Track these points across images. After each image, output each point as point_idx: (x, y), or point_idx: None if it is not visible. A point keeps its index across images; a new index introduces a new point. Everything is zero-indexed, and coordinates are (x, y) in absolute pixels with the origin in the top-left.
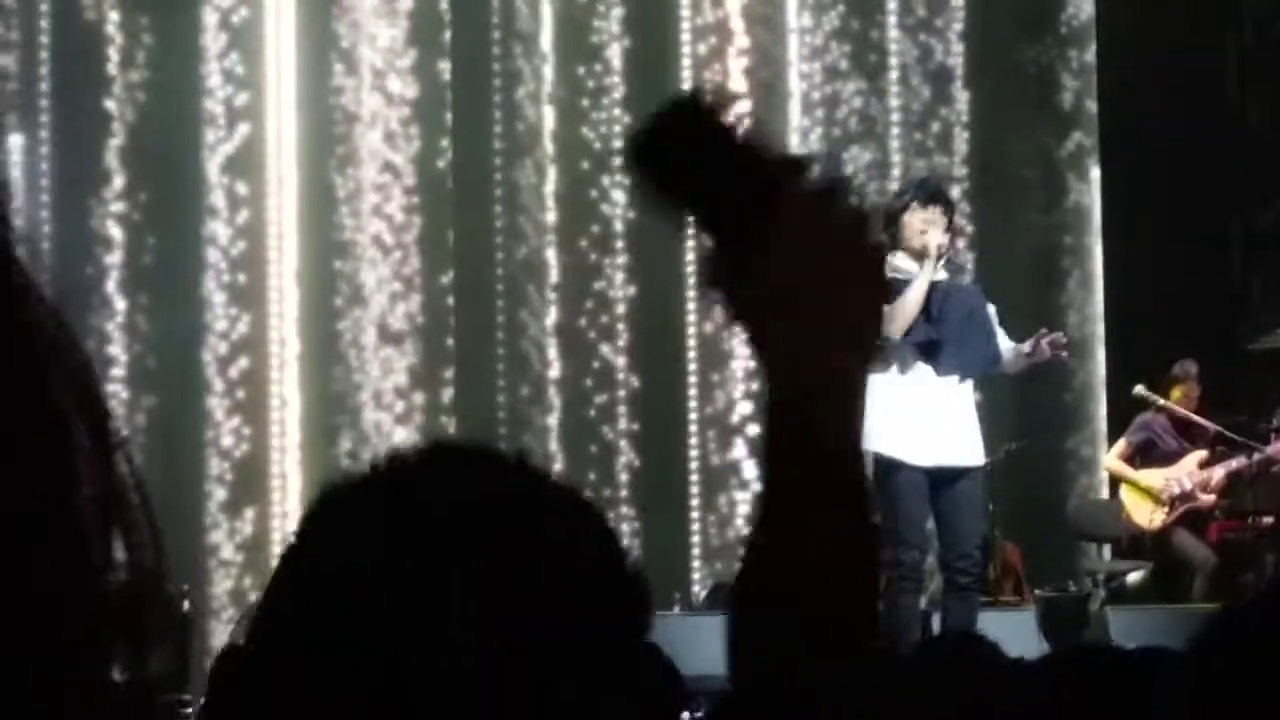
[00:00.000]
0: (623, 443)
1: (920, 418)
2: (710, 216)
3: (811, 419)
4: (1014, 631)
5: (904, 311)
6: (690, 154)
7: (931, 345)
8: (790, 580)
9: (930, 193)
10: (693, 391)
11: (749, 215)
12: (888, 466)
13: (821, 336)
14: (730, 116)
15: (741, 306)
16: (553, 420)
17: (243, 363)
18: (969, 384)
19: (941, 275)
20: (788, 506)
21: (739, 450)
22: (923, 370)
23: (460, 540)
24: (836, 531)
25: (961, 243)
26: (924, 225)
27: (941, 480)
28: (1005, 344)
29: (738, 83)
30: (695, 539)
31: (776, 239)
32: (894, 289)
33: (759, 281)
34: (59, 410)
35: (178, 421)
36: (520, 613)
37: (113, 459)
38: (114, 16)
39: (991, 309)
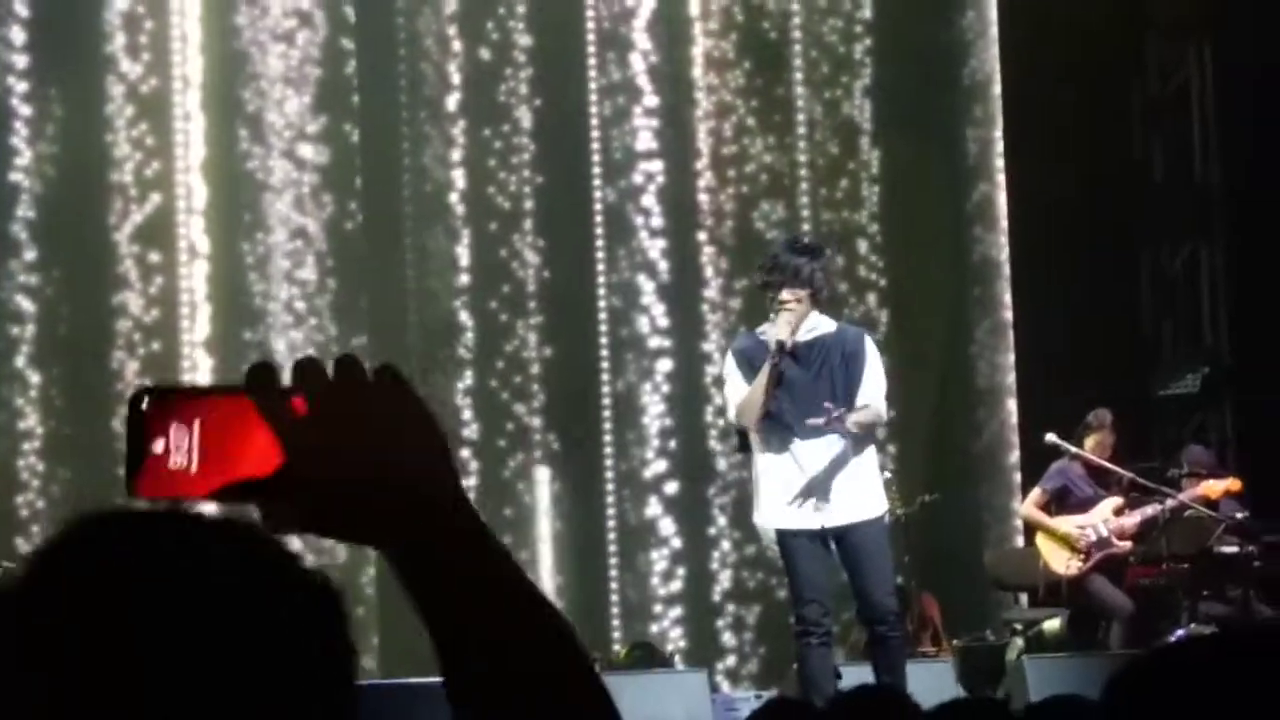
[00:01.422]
0: (540, 503)
1: (797, 484)
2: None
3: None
4: (932, 682)
5: (751, 403)
6: None
7: (780, 412)
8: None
9: (767, 280)
10: (608, 450)
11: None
12: (780, 536)
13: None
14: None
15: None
16: (470, 482)
17: None
18: (847, 439)
19: (818, 331)
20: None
21: (655, 508)
22: (785, 437)
23: (158, 596)
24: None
25: (872, 297)
26: (776, 310)
27: (838, 538)
28: (871, 391)
29: (645, 142)
30: (614, 597)
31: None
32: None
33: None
34: None
35: (93, 494)
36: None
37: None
38: (20, 88)
39: (869, 351)
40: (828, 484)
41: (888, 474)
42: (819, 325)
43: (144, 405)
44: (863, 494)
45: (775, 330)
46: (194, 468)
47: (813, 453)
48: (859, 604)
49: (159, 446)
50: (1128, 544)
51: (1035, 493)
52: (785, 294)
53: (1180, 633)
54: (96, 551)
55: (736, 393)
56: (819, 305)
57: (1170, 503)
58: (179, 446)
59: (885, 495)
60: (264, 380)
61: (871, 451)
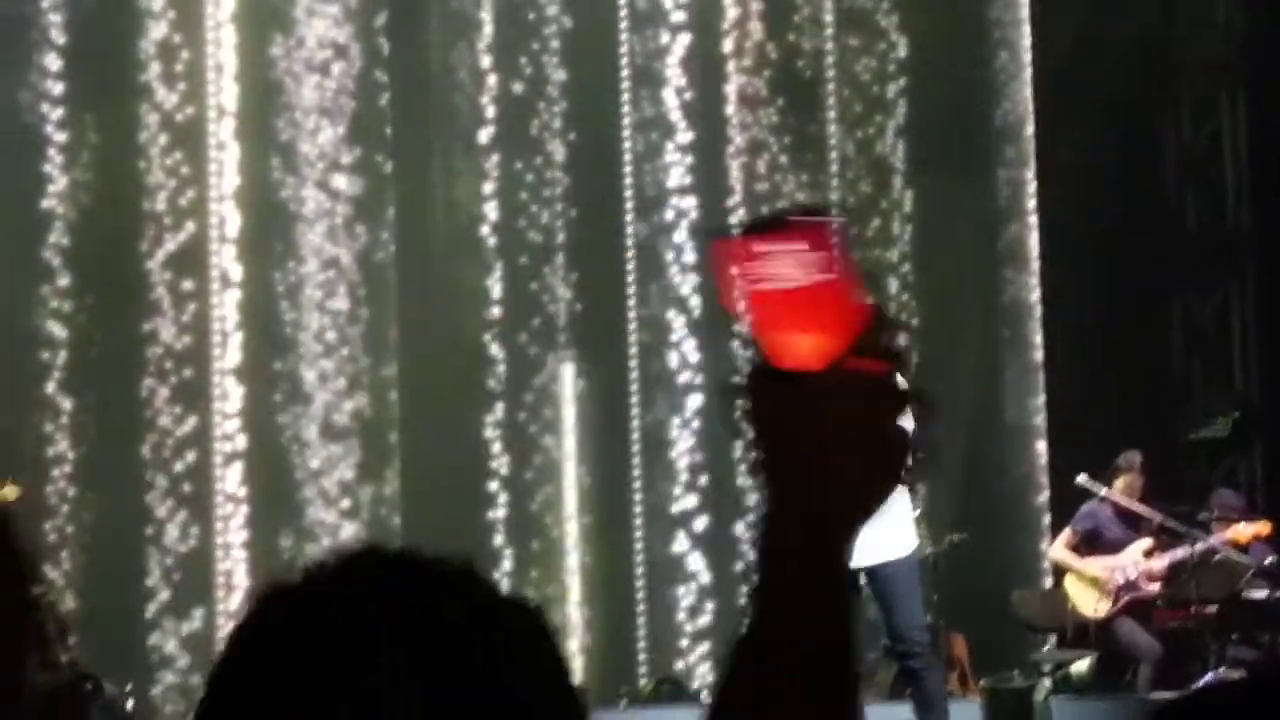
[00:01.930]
0: (568, 537)
1: None
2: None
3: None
4: None
5: None
6: None
7: None
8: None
9: None
10: (637, 485)
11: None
12: None
13: (827, 490)
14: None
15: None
16: (498, 515)
17: (189, 458)
18: None
19: None
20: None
21: (682, 544)
22: None
23: (398, 652)
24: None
25: (902, 336)
26: None
27: (872, 577)
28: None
29: (678, 177)
30: (641, 631)
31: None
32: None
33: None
34: None
35: (123, 519)
36: None
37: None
38: (56, 115)
39: None
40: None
41: (916, 512)
42: None
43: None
44: (892, 533)
45: None
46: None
47: None
48: (891, 639)
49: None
50: (1156, 586)
51: (1065, 534)
52: None
53: (1209, 676)
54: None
55: None
56: None
57: (1200, 546)
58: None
59: (916, 533)
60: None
61: (902, 490)
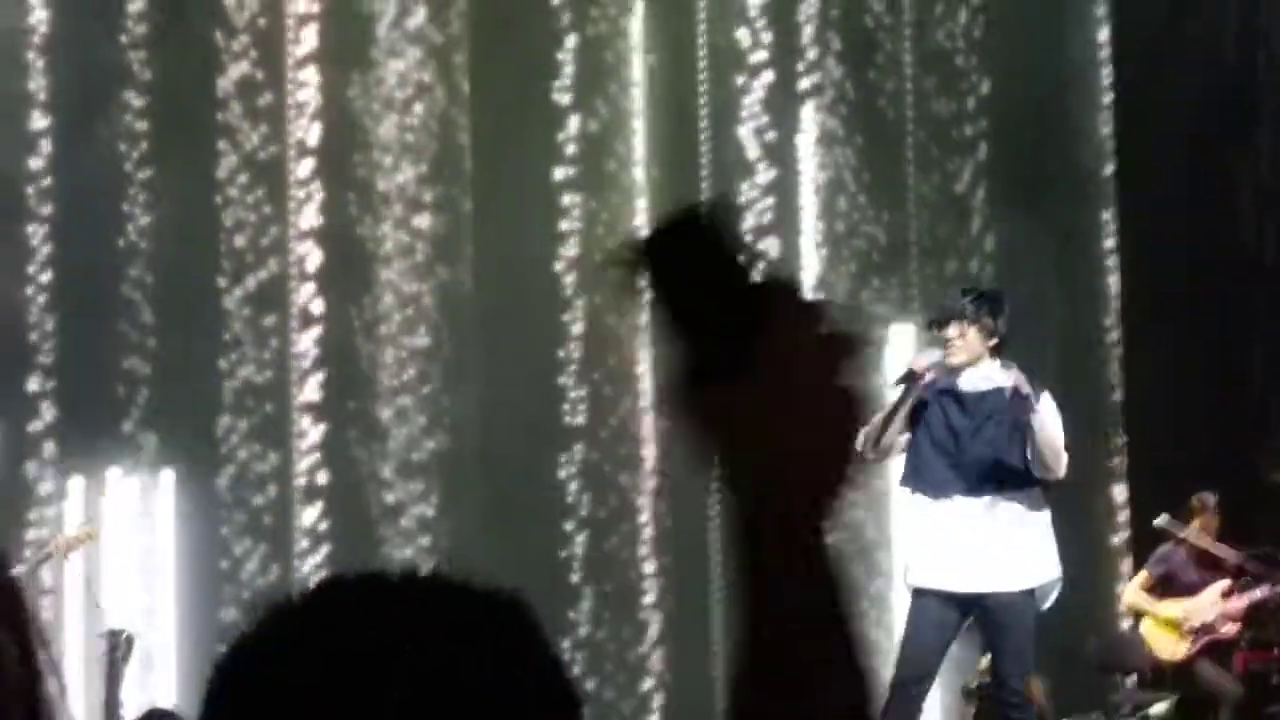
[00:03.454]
0: (645, 575)
1: (946, 542)
2: (708, 322)
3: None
4: None
5: (870, 430)
6: (698, 259)
7: (947, 462)
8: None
9: (933, 319)
10: (714, 523)
11: (742, 327)
12: (913, 590)
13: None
14: (735, 230)
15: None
16: (576, 552)
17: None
18: (1013, 500)
19: (994, 382)
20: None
21: None
22: (950, 490)
23: (373, 663)
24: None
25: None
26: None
27: (978, 608)
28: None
29: (759, 215)
30: (718, 672)
31: (764, 356)
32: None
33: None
34: None
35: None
36: None
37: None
38: (136, 153)
39: (1045, 406)
40: (978, 547)
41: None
42: (994, 376)
43: None
44: (1014, 562)
45: (922, 358)
46: None
47: (972, 510)
48: (991, 681)
49: None
50: (1235, 627)
51: (1141, 576)
52: (951, 329)
53: None
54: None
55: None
56: (998, 354)
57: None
58: None
59: (1052, 564)
60: None
61: (1036, 514)
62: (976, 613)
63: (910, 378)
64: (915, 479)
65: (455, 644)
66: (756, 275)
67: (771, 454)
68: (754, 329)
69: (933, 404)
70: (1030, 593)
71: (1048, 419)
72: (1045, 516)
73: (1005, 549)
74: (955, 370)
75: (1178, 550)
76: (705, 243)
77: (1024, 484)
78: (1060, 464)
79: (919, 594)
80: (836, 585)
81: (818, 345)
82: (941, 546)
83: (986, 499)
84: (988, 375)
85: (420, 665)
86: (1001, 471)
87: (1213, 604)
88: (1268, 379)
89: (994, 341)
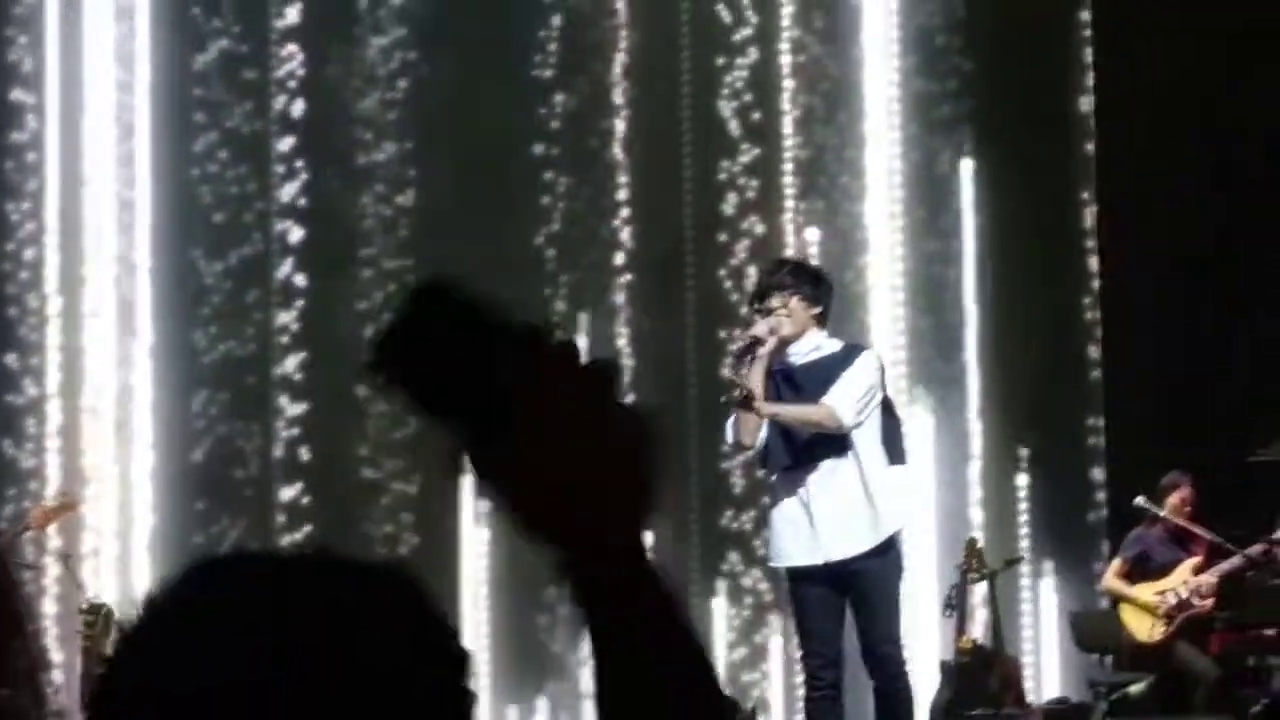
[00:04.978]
0: None
1: (797, 517)
2: (463, 406)
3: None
4: None
5: (742, 420)
6: (439, 345)
7: (780, 436)
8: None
9: (752, 296)
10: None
11: (502, 399)
12: (787, 576)
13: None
14: (473, 299)
15: (505, 491)
16: None
17: None
18: (848, 465)
19: (822, 351)
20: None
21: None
22: (784, 463)
23: (250, 641)
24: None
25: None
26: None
27: (841, 576)
28: (836, 394)
29: (742, 194)
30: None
31: (532, 421)
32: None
33: (516, 465)
34: None
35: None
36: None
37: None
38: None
39: (858, 361)
40: (828, 515)
41: (975, 535)
42: (822, 346)
43: None
44: (862, 524)
45: (760, 326)
46: None
47: (816, 482)
48: (863, 655)
49: None
50: (1209, 603)
51: (1116, 563)
52: (774, 300)
53: (1266, 701)
54: (219, 597)
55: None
56: (821, 324)
57: (1253, 550)
58: None
59: (896, 519)
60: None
61: (873, 475)
62: (842, 583)
63: (752, 345)
64: (761, 458)
65: (337, 615)
66: (485, 335)
67: (558, 500)
68: (503, 393)
69: (770, 384)
70: (884, 557)
71: (836, 394)
72: (885, 476)
73: (841, 515)
74: (785, 345)
75: (1149, 532)
76: (429, 331)
77: (846, 448)
78: (826, 424)
79: (789, 577)
80: (673, 601)
81: (571, 382)
82: (786, 522)
83: (821, 468)
84: (816, 345)
85: (304, 638)
86: (823, 438)
87: (1184, 582)
88: (1254, 360)
89: (818, 309)
